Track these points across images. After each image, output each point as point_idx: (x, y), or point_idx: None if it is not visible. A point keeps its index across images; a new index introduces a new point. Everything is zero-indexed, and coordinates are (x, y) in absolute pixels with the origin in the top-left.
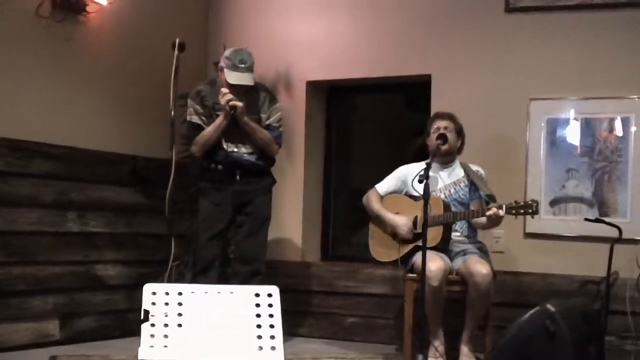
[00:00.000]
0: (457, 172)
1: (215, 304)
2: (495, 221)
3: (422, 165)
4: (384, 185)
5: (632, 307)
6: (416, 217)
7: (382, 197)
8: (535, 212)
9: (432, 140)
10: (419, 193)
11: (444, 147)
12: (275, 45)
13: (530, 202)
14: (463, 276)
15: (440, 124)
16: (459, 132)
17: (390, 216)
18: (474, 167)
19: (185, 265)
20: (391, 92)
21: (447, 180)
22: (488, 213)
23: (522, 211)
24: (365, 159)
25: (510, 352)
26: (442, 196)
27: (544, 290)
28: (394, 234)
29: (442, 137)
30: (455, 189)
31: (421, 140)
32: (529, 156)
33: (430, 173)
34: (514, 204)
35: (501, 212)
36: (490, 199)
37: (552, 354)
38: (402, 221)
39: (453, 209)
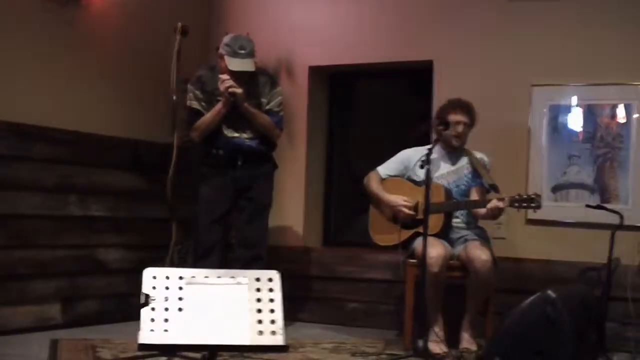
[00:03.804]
0: (461, 158)
1: (216, 289)
2: (495, 213)
3: (425, 149)
4: (386, 168)
5: (633, 294)
6: (417, 202)
7: (382, 180)
8: (537, 207)
9: (449, 132)
10: (421, 178)
11: (458, 144)
12: (277, 30)
13: (533, 195)
14: (463, 262)
15: (461, 118)
16: (472, 125)
17: (388, 197)
18: (478, 155)
19: (187, 250)
20: (393, 77)
21: (452, 166)
22: (488, 206)
23: (524, 204)
24: (367, 144)
25: (510, 337)
26: (445, 182)
27: (545, 276)
28: (394, 217)
29: (460, 137)
30: (458, 175)
31: (426, 126)
32: (531, 142)
33: (435, 157)
34: (517, 197)
35: (501, 205)
36: (493, 188)
37: (553, 340)
38: (401, 201)
39: (455, 195)
